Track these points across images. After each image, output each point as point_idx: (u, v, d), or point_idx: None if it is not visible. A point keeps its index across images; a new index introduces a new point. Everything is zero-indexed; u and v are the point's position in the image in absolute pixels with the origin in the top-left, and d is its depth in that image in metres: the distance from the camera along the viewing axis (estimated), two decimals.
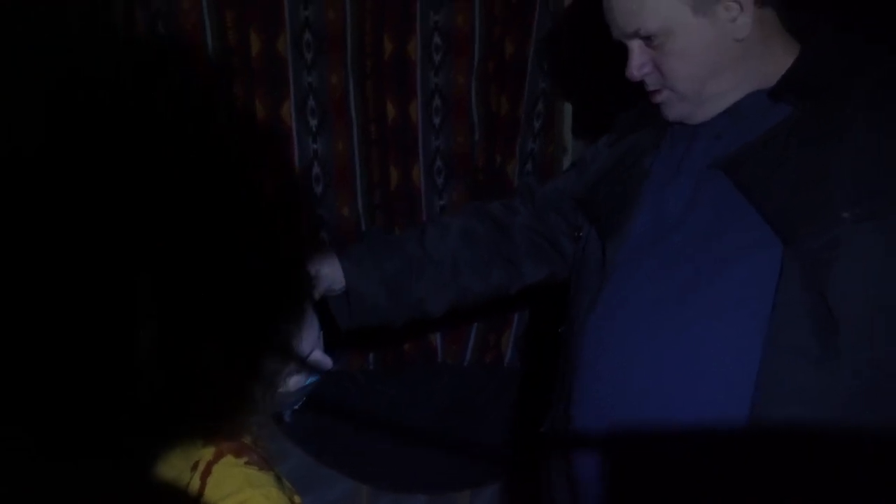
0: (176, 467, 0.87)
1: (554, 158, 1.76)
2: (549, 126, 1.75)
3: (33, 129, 0.69)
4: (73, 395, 0.67)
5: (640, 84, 1.13)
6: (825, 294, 0.97)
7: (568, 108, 1.75)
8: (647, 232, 1.12)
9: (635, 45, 1.10)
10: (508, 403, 1.74)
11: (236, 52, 1.48)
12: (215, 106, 1.25)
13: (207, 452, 0.88)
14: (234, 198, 0.95)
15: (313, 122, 1.56)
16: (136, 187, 0.70)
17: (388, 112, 1.61)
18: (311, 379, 1.02)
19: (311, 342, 1.01)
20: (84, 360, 0.67)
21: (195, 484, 0.86)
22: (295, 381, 1.00)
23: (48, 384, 0.65)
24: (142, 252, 0.69)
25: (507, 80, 1.69)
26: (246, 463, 0.89)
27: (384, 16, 1.58)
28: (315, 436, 1.52)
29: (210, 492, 0.85)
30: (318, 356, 1.02)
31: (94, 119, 0.73)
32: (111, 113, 0.76)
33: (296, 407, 1.04)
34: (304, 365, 1.01)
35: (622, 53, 1.13)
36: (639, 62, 1.10)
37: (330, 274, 1.24)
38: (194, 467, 0.88)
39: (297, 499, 0.93)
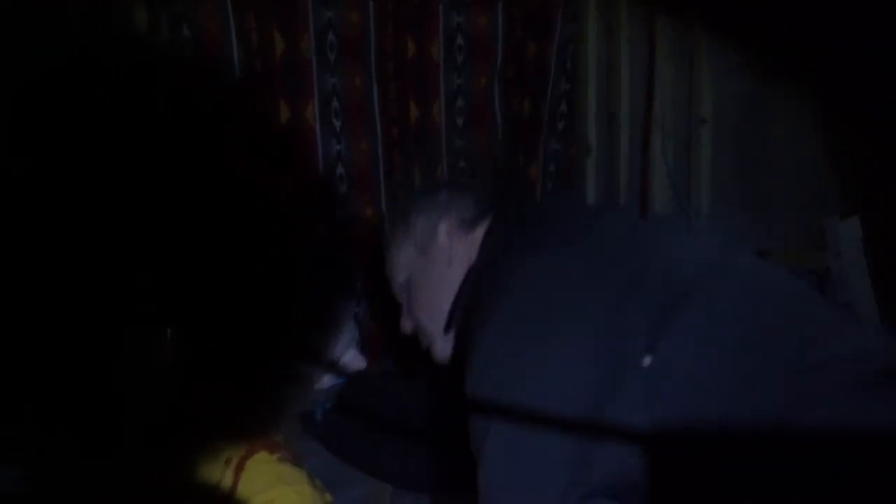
0: (209, 463, 0.88)
1: (577, 159, 1.76)
2: (572, 127, 1.75)
3: (60, 127, 0.69)
4: (104, 395, 0.67)
5: None
6: None
7: (591, 109, 1.75)
8: None
9: (403, 302, 1.18)
10: None
11: (260, 54, 1.49)
12: (240, 108, 1.25)
13: (240, 448, 0.88)
14: (262, 200, 0.95)
15: (337, 124, 1.56)
16: (165, 191, 0.70)
17: (412, 113, 1.61)
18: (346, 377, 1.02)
19: (346, 341, 1.01)
20: (116, 361, 0.67)
21: (228, 479, 0.86)
22: (329, 379, 1.00)
23: (84, 385, 0.65)
24: (170, 254, 0.69)
25: (529, 81, 1.69)
26: (278, 459, 0.89)
27: (407, 17, 1.58)
28: (338, 435, 1.52)
29: (243, 487, 0.85)
30: (353, 355, 1.02)
31: (117, 122, 0.73)
32: (135, 115, 0.76)
33: (328, 406, 1.04)
34: (339, 364, 1.01)
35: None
36: (405, 316, 1.18)
37: None
38: (227, 463, 0.88)
39: (327, 496, 0.92)
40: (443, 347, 1.13)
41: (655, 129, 1.83)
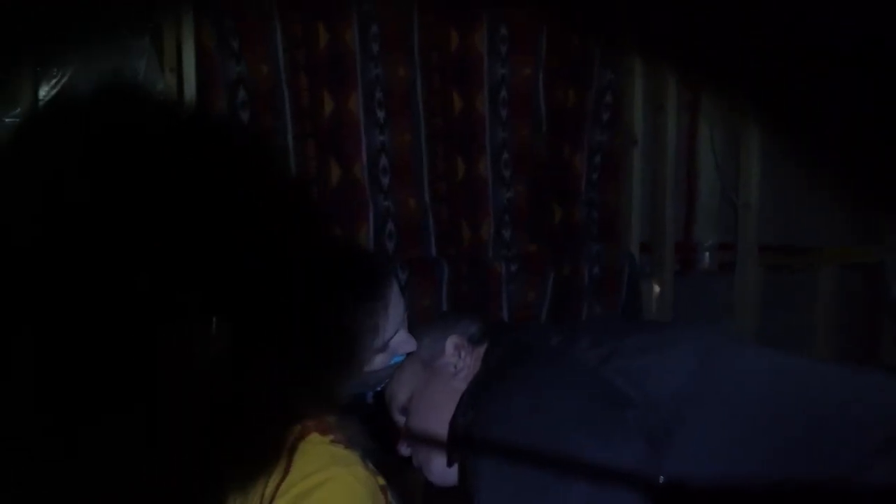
0: (262, 446, 0.86)
1: (623, 150, 1.73)
2: (617, 117, 1.72)
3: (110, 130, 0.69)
4: (153, 387, 0.66)
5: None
6: None
7: (637, 99, 1.72)
8: None
9: (402, 424, 1.16)
10: None
11: (303, 45, 1.49)
12: (285, 100, 1.22)
13: (293, 430, 0.87)
14: (306, 190, 0.93)
15: (381, 114, 1.55)
16: (207, 183, 0.69)
17: (455, 104, 1.60)
18: (397, 358, 1.00)
19: (396, 322, 0.99)
20: (162, 353, 0.66)
21: (281, 461, 0.84)
22: (380, 360, 0.98)
23: (132, 378, 0.64)
24: (214, 243, 0.68)
25: (573, 70, 1.66)
26: (332, 441, 0.87)
27: (450, 9, 1.57)
28: (379, 425, 1.50)
29: (296, 469, 0.83)
30: (403, 336, 1.00)
31: (161, 119, 0.72)
32: (177, 112, 0.75)
33: (378, 388, 1.02)
34: (389, 345, 1.00)
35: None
36: (404, 436, 1.16)
37: None
38: (280, 445, 0.86)
39: (381, 479, 0.90)
40: (437, 465, 1.14)
41: (703, 120, 1.79)
